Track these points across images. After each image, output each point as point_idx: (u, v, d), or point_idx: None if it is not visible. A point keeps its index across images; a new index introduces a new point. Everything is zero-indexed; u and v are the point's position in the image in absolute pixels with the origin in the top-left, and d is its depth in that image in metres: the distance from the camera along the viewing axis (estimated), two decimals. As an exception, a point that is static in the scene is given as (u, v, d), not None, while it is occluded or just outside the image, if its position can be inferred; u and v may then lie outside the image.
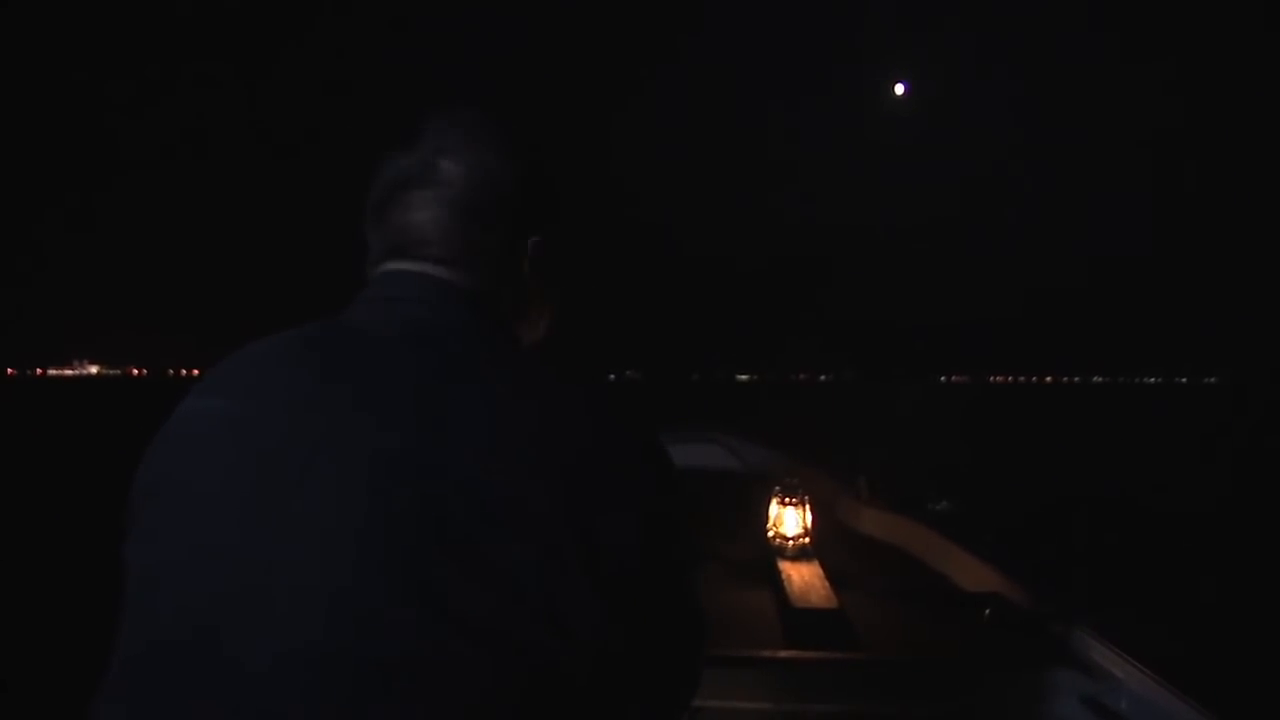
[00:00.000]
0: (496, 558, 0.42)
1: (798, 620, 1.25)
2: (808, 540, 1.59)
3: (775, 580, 1.43)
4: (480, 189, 0.58)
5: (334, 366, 0.49)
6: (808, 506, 1.61)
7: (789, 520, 1.59)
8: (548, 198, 0.62)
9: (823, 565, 1.48)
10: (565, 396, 0.49)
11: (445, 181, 0.57)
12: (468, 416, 0.46)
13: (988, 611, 1.26)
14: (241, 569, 0.43)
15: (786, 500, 1.61)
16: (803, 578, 1.41)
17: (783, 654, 1.17)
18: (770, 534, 1.60)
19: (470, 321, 0.54)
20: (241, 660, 0.41)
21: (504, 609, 0.42)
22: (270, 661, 0.41)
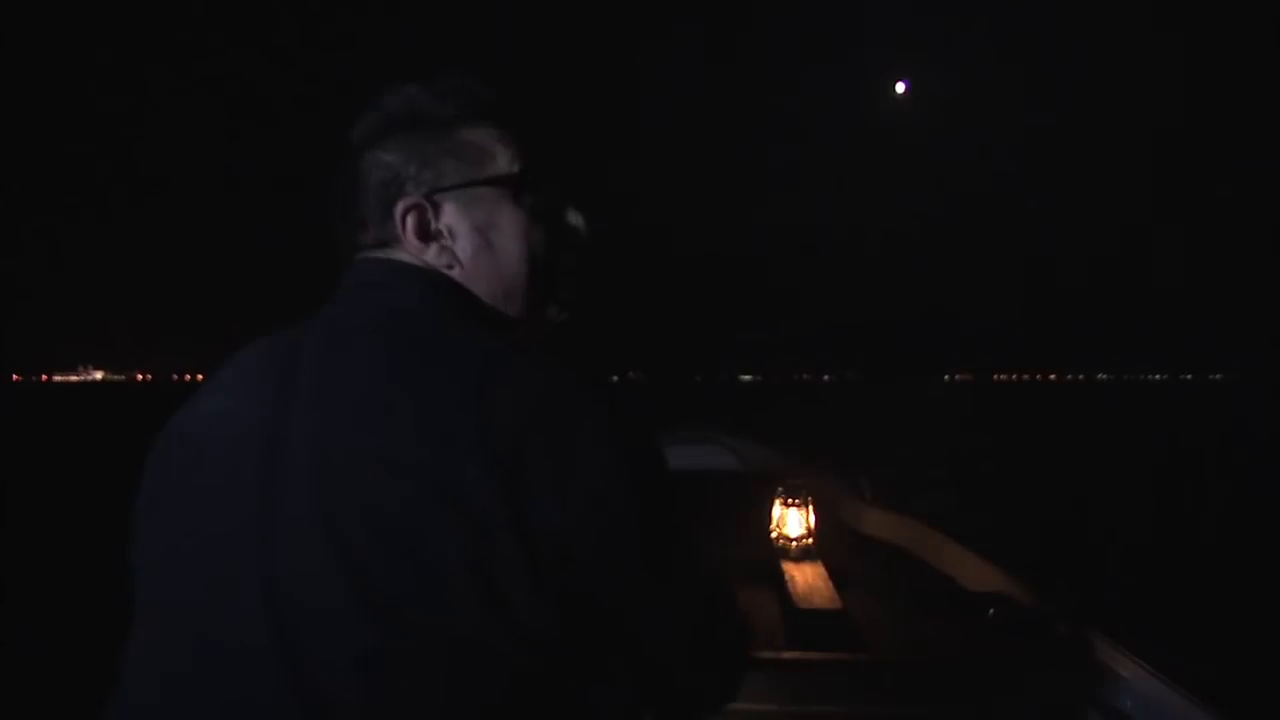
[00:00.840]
0: (441, 550, 0.42)
1: (801, 621, 1.24)
2: (811, 541, 1.58)
3: (778, 581, 1.42)
4: (441, 171, 0.57)
5: (302, 362, 0.50)
6: (811, 507, 1.61)
7: (792, 521, 1.59)
8: (509, 181, 0.59)
9: (826, 566, 1.48)
10: (515, 381, 0.47)
11: (401, 165, 0.56)
12: (423, 405, 0.45)
13: (992, 612, 1.26)
14: (226, 567, 0.45)
15: (790, 501, 1.61)
16: (806, 579, 1.41)
17: (786, 655, 1.17)
18: (773, 535, 1.60)
19: (436, 305, 0.55)
20: (223, 655, 0.43)
21: (451, 602, 0.42)
22: (243, 655, 0.43)
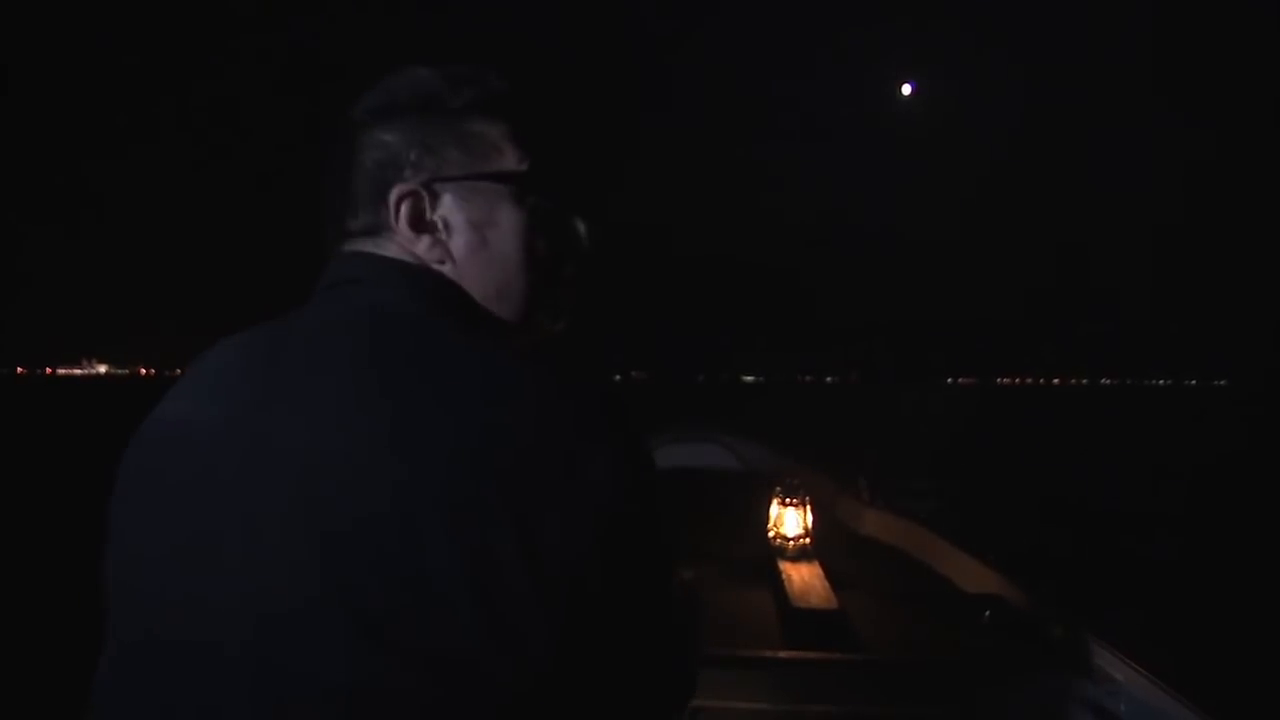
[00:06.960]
0: (434, 572, 0.39)
1: (798, 620, 1.25)
2: (808, 541, 1.59)
3: (776, 580, 1.43)
4: (444, 160, 0.53)
5: (280, 364, 0.47)
6: (809, 507, 1.62)
7: (790, 521, 1.60)
8: (514, 179, 0.55)
9: (823, 566, 1.49)
10: (520, 388, 0.44)
11: (402, 148, 0.52)
12: (410, 414, 0.42)
13: (987, 614, 1.26)
14: (187, 574, 0.43)
15: (787, 501, 1.62)
16: (803, 578, 1.41)
17: (782, 654, 1.18)
18: (771, 534, 1.61)
19: (423, 305, 0.51)
20: (181, 663, 0.41)
21: (442, 626, 0.39)
22: (205, 667, 0.41)
